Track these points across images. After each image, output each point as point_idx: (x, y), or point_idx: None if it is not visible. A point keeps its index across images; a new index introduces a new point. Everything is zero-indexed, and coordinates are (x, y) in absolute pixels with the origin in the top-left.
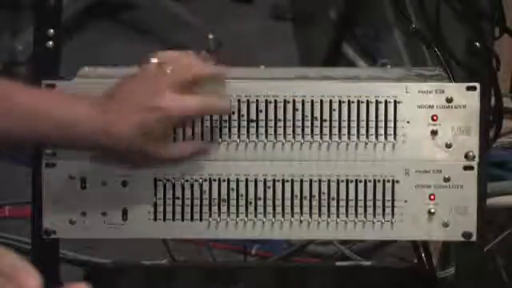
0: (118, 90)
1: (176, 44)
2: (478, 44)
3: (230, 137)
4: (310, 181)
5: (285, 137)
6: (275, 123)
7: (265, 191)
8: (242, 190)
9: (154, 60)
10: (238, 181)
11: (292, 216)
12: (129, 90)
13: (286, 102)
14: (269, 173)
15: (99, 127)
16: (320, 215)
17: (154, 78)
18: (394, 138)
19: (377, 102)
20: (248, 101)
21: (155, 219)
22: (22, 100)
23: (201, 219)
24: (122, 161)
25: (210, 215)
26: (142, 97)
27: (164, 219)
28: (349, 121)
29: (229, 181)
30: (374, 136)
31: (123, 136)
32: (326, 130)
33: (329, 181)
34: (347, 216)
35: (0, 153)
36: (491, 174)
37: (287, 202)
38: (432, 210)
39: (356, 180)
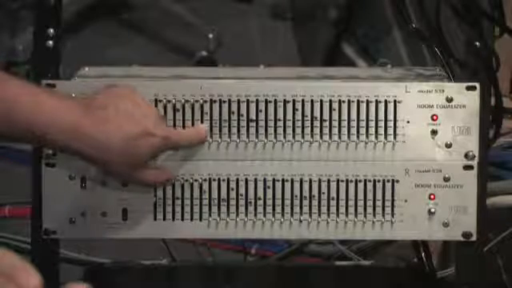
0: (111, 103)
1: (176, 44)
2: (478, 44)
3: (229, 137)
4: (310, 181)
5: (285, 137)
6: (275, 123)
7: (265, 191)
8: (242, 190)
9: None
10: (237, 181)
11: (292, 216)
12: (112, 113)
13: (285, 101)
14: (269, 173)
15: (72, 128)
16: (320, 215)
17: (140, 103)
18: (394, 137)
19: (377, 102)
20: (248, 100)
21: (155, 219)
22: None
23: (201, 219)
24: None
25: (210, 215)
26: (130, 123)
27: (164, 219)
28: (349, 121)
29: (229, 181)
30: (373, 136)
31: (113, 148)
32: (326, 130)
33: (329, 181)
34: (347, 216)
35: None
36: (491, 174)
37: (287, 202)
38: (432, 210)
39: (356, 180)
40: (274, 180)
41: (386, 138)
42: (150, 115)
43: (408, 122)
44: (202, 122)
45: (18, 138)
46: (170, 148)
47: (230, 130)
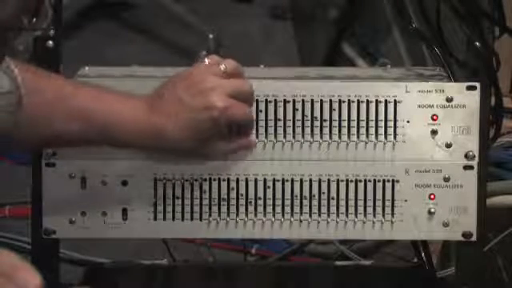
0: (167, 89)
1: (176, 44)
2: (478, 44)
3: None
4: (310, 181)
5: (285, 137)
6: (275, 123)
7: (265, 191)
8: (242, 190)
9: (207, 60)
10: (238, 181)
11: (292, 216)
12: (178, 89)
13: (285, 101)
14: (269, 173)
15: (147, 129)
16: (320, 215)
17: (206, 77)
18: (394, 137)
19: (377, 102)
20: None
21: (155, 219)
22: (74, 101)
23: (201, 219)
24: (172, 157)
25: (210, 215)
26: (193, 96)
27: (164, 219)
28: (349, 120)
29: (229, 180)
30: (373, 136)
31: (175, 138)
32: (326, 130)
33: (329, 181)
34: (347, 216)
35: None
36: (491, 174)
37: (287, 202)
38: (432, 210)
39: (356, 180)
40: (274, 180)
41: (386, 137)
42: (205, 90)
43: (408, 122)
44: None
45: (95, 142)
46: (228, 120)
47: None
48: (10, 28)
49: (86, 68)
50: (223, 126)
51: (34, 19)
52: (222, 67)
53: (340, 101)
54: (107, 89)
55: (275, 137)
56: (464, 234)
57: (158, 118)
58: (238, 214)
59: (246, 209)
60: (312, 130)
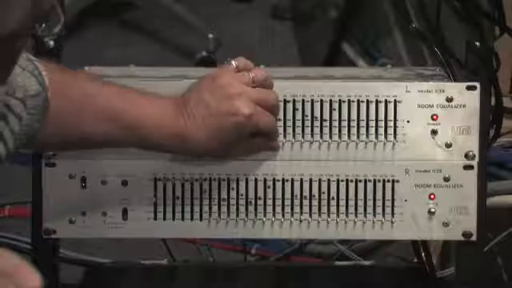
0: (193, 92)
1: (176, 44)
2: (477, 44)
3: None
4: (310, 181)
5: (285, 137)
6: None
7: (265, 191)
8: (242, 190)
9: (234, 63)
10: (238, 180)
11: (292, 216)
12: (205, 93)
13: (286, 101)
14: (269, 173)
15: (173, 132)
16: (320, 215)
17: (233, 82)
18: (394, 137)
19: (377, 102)
20: None
21: (155, 219)
22: (100, 101)
23: (201, 219)
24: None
25: (210, 215)
26: (219, 101)
27: (164, 219)
28: (349, 120)
29: (229, 180)
30: (373, 136)
31: (200, 142)
32: (326, 130)
33: (329, 181)
34: (347, 216)
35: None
36: (491, 173)
37: (287, 202)
38: (432, 210)
39: (356, 180)
40: (274, 180)
41: (386, 137)
42: (232, 96)
43: (408, 121)
44: None
45: (120, 143)
46: (253, 128)
47: None
48: (22, 36)
49: (86, 68)
50: (247, 132)
51: (44, 25)
52: (252, 75)
53: (340, 101)
54: (134, 89)
55: None
56: (464, 234)
57: (183, 120)
58: (238, 214)
59: (246, 209)
60: (312, 130)
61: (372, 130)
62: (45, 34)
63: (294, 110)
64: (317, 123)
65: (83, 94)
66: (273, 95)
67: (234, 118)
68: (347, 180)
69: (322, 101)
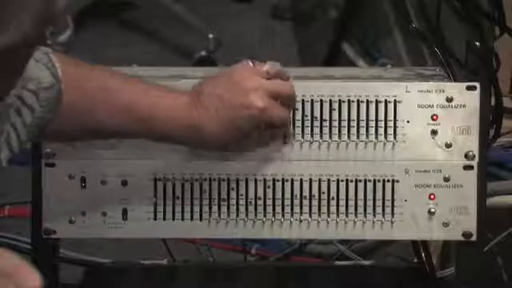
0: (207, 85)
1: (176, 44)
2: (477, 44)
3: None
4: (310, 181)
5: (285, 137)
6: None
7: (265, 191)
8: (242, 190)
9: (250, 62)
10: (237, 181)
11: (292, 216)
12: (219, 86)
13: None
14: (269, 173)
15: (187, 124)
16: (320, 215)
17: (248, 77)
18: (394, 137)
19: (377, 102)
20: None
21: (155, 219)
22: (115, 93)
23: (201, 219)
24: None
25: (210, 215)
26: (233, 94)
27: (164, 219)
28: (349, 120)
29: (229, 180)
30: (373, 136)
31: (213, 134)
32: (326, 130)
33: (329, 181)
34: (347, 216)
35: None
36: (491, 173)
37: (287, 202)
38: (432, 210)
39: (356, 180)
40: (273, 180)
41: (386, 137)
42: (246, 89)
43: (408, 121)
44: None
45: (134, 135)
46: (266, 121)
47: None
48: (32, 43)
49: None
50: (261, 125)
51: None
52: (266, 68)
53: (340, 101)
54: (149, 82)
55: None
56: (464, 234)
57: (197, 113)
58: (238, 214)
59: (246, 209)
60: (312, 130)
61: (372, 130)
62: (53, 40)
63: (294, 110)
64: (317, 123)
65: (98, 86)
66: (288, 87)
67: (248, 111)
68: (347, 180)
69: (321, 101)
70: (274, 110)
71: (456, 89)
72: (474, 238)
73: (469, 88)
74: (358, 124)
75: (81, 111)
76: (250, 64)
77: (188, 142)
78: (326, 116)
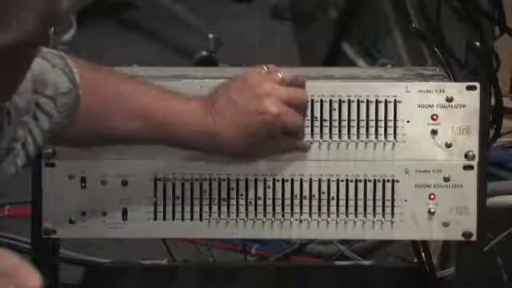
0: (222, 91)
1: (176, 44)
2: (477, 44)
3: None
4: (310, 181)
5: None
6: None
7: (265, 191)
8: (242, 190)
9: (265, 67)
10: (237, 181)
11: (292, 216)
12: (233, 92)
13: None
14: (269, 173)
15: (202, 130)
16: (320, 215)
17: (262, 82)
18: (394, 137)
19: (377, 102)
20: None
21: (155, 219)
22: (131, 99)
23: (201, 219)
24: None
25: (210, 215)
26: (248, 99)
27: (164, 219)
28: (349, 120)
29: (229, 180)
30: (373, 136)
31: (228, 140)
32: (326, 130)
33: (329, 181)
34: (347, 216)
35: None
36: (491, 173)
37: (287, 202)
38: (432, 210)
39: (356, 180)
40: (273, 180)
41: (386, 137)
42: (261, 95)
43: (408, 121)
44: None
45: (149, 140)
46: (280, 127)
47: None
48: (35, 43)
49: None
50: (275, 131)
51: (54, 33)
52: (280, 74)
53: (340, 101)
54: (163, 88)
55: None
56: (464, 234)
57: (213, 120)
58: (238, 214)
59: (246, 209)
60: (312, 130)
61: (372, 130)
62: (56, 42)
63: None
64: (317, 123)
65: (115, 92)
66: (302, 94)
67: (262, 117)
68: (347, 180)
69: (322, 101)
70: (288, 115)
71: (456, 89)
72: (474, 238)
73: (469, 88)
74: (358, 124)
75: (96, 117)
76: (265, 69)
77: (203, 148)
78: (326, 116)
